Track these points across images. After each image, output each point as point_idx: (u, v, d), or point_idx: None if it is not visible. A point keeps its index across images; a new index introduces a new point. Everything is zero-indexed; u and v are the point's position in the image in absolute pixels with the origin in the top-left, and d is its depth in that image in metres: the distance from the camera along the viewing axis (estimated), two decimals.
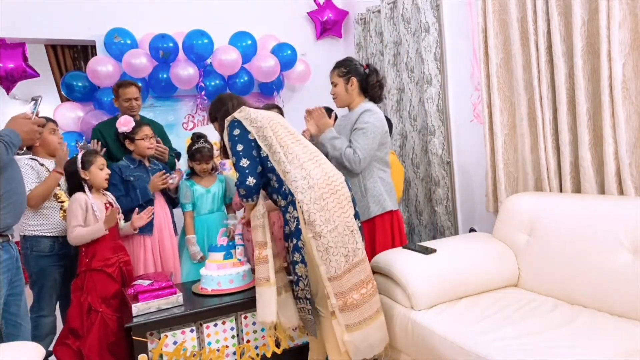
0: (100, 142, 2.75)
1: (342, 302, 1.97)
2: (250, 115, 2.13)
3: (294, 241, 2.01)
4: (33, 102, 2.10)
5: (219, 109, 2.28)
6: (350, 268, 2.00)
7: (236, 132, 2.12)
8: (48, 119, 2.73)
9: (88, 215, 2.37)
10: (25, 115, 2.03)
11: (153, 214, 2.64)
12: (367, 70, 2.57)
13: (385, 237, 2.52)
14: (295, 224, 2.00)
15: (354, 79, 2.55)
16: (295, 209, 1.99)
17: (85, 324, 2.27)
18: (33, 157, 2.66)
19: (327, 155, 2.58)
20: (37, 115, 2.09)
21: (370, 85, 2.56)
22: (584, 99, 2.13)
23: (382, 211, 2.49)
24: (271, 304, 2.04)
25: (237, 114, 2.15)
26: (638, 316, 1.73)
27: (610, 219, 1.90)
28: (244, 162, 2.08)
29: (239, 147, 2.09)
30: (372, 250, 2.46)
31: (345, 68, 2.57)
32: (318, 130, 2.60)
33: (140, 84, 3.19)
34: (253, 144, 2.10)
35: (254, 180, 2.08)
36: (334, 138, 2.52)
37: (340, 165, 2.46)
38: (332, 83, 2.63)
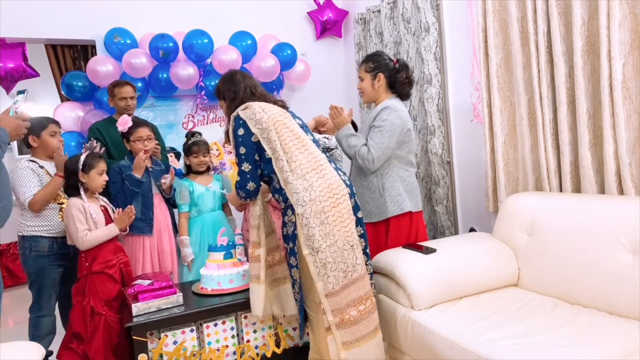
0: (100, 143, 2.73)
1: (339, 318, 1.94)
2: (255, 116, 2.06)
3: (291, 245, 2.02)
4: (18, 95, 2.06)
5: (228, 88, 2.21)
6: (349, 284, 1.97)
7: (240, 132, 2.07)
8: (51, 120, 2.70)
9: (87, 219, 2.35)
10: (7, 111, 2.00)
11: (137, 214, 2.61)
12: (397, 66, 2.48)
13: (400, 239, 2.44)
14: (292, 228, 1.99)
15: (381, 75, 2.47)
16: (293, 213, 1.98)
17: (89, 327, 2.26)
18: (32, 159, 2.65)
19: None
20: (17, 110, 2.05)
21: (399, 82, 2.47)
22: (584, 98, 2.13)
23: (400, 212, 2.43)
24: (259, 299, 2.10)
25: (241, 113, 2.09)
26: (638, 316, 1.73)
27: (610, 219, 1.90)
28: (246, 167, 2.08)
29: (242, 150, 2.08)
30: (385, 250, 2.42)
31: (373, 63, 2.49)
32: (335, 127, 2.55)
33: (137, 85, 3.19)
34: (256, 146, 2.07)
35: (254, 185, 2.09)
36: (350, 135, 2.46)
37: (357, 163, 2.46)
38: (359, 77, 2.56)
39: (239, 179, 2.10)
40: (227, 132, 2.22)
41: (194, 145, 2.84)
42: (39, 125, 2.62)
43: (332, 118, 2.55)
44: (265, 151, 2.05)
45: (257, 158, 2.08)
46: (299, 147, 2.06)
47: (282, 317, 2.25)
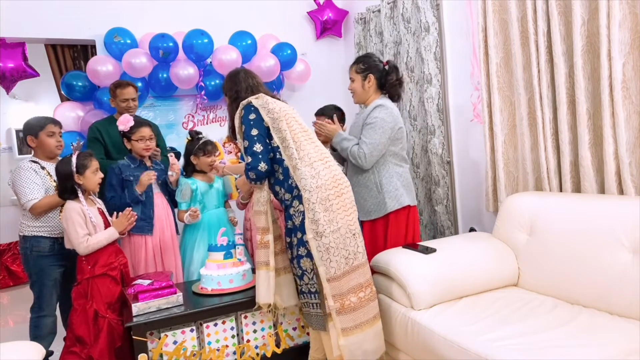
0: (82, 142, 2.69)
1: (340, 304, 1.98)
2: (268, 105, 2.11)
3: (299, 235, 2.03)
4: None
5: (231, 88, 2.26)
6: (350, 270, 2.02)
7: (252, 116, 2.10)
8: (49, 120, 2.68)
9: (87, 223, 2.32)
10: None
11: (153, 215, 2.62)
12: (387, 67, 2.54)
13: (399, 234, 2.49)
14: (300, 218, 2.01)
15: (371, 77, 2.54)
16: (301, 202, 2.01)
17: (93, 330, 2.25)
18: (34, 159, 2.64)
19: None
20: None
21: (389, 83, 2.55)
22: (584, 98, 2.13)
23: (399, 206, 2.48)
24: (268, 286, 2.09)
25: (254, 100, 2.12)
26: (638, 316, 1.73)
27: (610, 219, 1.90)
28: (258, 147, 2.06)
29: (254, 132, 2.07)
30: (383, 247, 2.46)
31: (363, 65, 2.56)
32: (328, 139, 2.64)
33: (138, 85, 3.19)
34: (266, 131, 2.10)
35: (266, 167, 2.07)
36: (343, 140, 2.55)
37: (352, 163, 2.51)
38: (350, 78, 2.63)
39: (250, 160, 2.07)
40: (231, 127, 2.23)
41: (208, 144, 2.83)
42: (37, 126, 2.62)
43: (320, 131, 2.64)
44: (273, 139, 2.08)
45: (268, 142, 2.09)
46: (307, 139, 2.13)
47: (282, 309, 2.22)
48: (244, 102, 2.14)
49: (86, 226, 2.32)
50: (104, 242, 2.35)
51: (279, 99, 2.27)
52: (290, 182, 2.05)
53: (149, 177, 2.66)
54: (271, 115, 2.08)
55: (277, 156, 2.08)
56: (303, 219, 2.00)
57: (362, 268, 2.07)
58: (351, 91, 2.64)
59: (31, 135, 2.61)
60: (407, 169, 2.60)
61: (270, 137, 2.09)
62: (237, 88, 2.23)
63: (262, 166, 2.06)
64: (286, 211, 2.10)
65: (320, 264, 1.97)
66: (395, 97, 2.60)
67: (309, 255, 2.00)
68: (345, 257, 2.01)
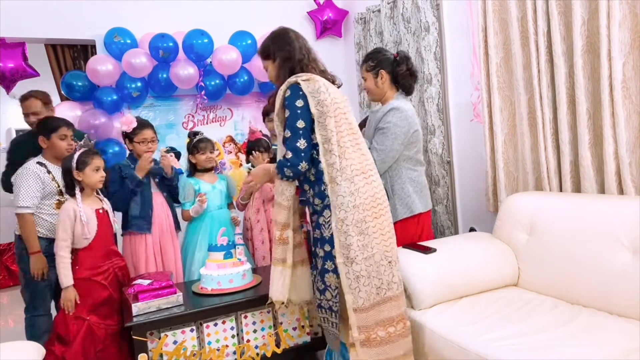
0: (93, 141, 2.67)
1: (365, 336, 1.80)
2: (319, 95, 1.83)
3: (328, 248, 1.85)
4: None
5: (281, 47, 1.96)
6: (381, 302, 1.82)
7: (299, 103, 1.84)
8: (63, 122, 2.65)
9: (76, 224, 2.27)
10: None
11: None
12: (397, 59, 2.45)
13: (404, 241, 2.39)
14: (330, 230, 1.84)
15: (383, 72, 2.44)
16: (332, 213, 1.83)
17: (71, 331, 2.22)
18: (42, 161, 2.60)
19: None
20: None
21: (400, 75, 2.44)
22: (584, 98, 2.13)
23: (410, 214, 2.40)
24: (283, 284, 1.95)
25: (303, 83, 1.85)
26: (638, 315, 1.73)
27: (610, 219, 1.90)
28: (302, 144, 1.83)
29: (300, 124, 1.83)
30: None
31: (373, 61, 2.47)
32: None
33: (137, 84, 3.15)
34: (311, 124, 1.86)
35: (307, 166, 1.86)
36: None
37: None
38: (362, 78, 2.55)
39: (290, 156, 1.84)
40: (270, 98, 2.02)
41: (200, 142, 2.83)
42: (51, 127, 2.60)
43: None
44: (315, 134, 1.85)
45: (311, 137, 1.87)
46: (354, 145, 1.89)
47: (297, 304, 2.10)
48: (291, 80, 1.87)
49: (72, 229, 2.26)
50: (60, 270, 2.24)
51: (333, 81, 2.00)
52: (322, 188, 1.85)
53: (147, 160, 2.64)
54: (320, 108, 1.82)
55: (314, 155, 1.87)
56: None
57: (397, 300, 1.86)
58: (365, 90, 2.57)
59: (43, 136, 2.61)
60: (421, 172, 2.49)
61: (313, 131, 1.85)
62: (289, 48, 1.95)
63: (303, 165, 1.84)
64: (315, 219, 1.93)
65: (348, 291, 1.79)
66: (408, 89, 2.49)
67: (335, 271, 1.82)
68: (377, 287, 1.81)
